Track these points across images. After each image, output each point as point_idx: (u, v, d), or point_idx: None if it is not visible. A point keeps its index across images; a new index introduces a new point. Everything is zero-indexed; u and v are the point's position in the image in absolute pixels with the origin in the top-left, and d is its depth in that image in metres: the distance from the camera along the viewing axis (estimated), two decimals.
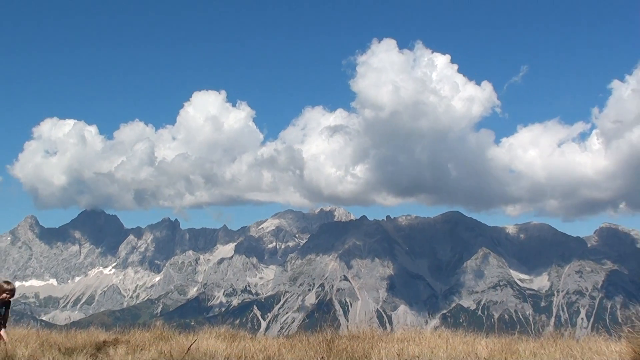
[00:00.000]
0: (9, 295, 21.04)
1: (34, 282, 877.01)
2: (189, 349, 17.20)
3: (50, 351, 19.46)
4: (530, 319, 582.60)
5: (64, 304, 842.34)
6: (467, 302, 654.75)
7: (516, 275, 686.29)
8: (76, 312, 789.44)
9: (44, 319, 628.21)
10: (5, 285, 20.84)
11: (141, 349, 21.51)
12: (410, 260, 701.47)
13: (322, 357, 16.25)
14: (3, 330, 21.15)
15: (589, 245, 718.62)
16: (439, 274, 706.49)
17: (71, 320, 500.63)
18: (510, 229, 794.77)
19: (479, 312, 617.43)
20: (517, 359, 13.46)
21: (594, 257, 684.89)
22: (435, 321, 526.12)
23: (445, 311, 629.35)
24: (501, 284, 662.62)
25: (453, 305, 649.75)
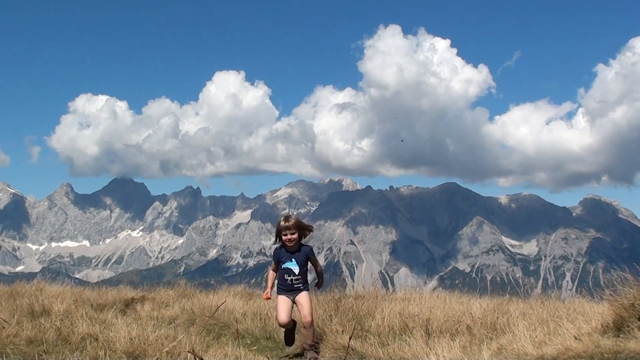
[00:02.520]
0: (293, 234, 14.19)
1: (69, 243, 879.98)
2: (217, 308, 17.19)
3: (83, 306, 19.49)
4: (520, 282, 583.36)
5: (95, 264, 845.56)
6: (463, 265, 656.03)
7: (507, 241, 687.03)
8: (106, 270, 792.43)
9: (77, 276, 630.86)
10: (283, 223, 14.37)
11: (166, 306, 21.55)
12: (411, 226, 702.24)
13: (331, 315, 16.26)
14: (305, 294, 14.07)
15: (574, 215, 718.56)
16: (437, 239, 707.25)
17: (102, 278, 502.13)
18: (503, 199, 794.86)
19: (473, 275, 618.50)
20: (508, 318, 13.44)
21: (578, 225, 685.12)
22: (433, 283, 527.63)
23: (442, 273, 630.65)
24: (494, 249, 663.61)
25: (450, 268, 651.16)
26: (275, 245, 14.86)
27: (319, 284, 14.94)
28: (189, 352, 5.06)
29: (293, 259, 14.32)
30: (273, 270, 14.63)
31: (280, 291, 14.17)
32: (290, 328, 14.12)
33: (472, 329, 13.26)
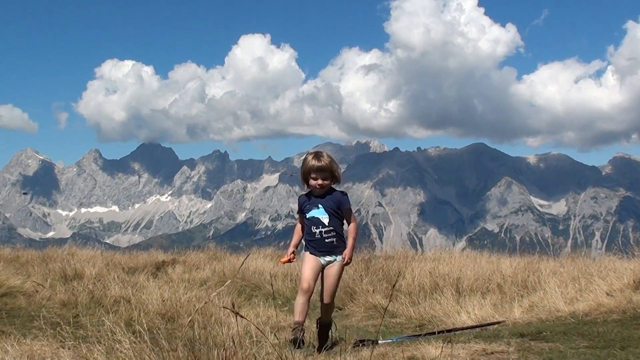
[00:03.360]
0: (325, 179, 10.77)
1: (98, 209, 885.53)
2: (242, 262, 17.23)
3: (115, 270, 19.62)
4: (549, 241, 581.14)
5: (125, 228, 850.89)
6: (491, 226, 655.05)
7: (536, 201, 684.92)
8: (136, 235, 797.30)
9: (107, 241, 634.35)
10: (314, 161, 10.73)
11: (197, 268, 21.68)
12: (439, 188, 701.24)
13: (361, 275, 16.28)
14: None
15: (603, 174, 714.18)
16: (465, 200, 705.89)
17: (132, 243, 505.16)
18: (531, 159, 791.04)
19: (502, 235, 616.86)
20: (539, 276, 13.42)
21: (607, 184, 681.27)
22: (462, 243, 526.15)
23: (471, 234, 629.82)
24: (522, 209, 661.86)
25: (478, 228, 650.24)
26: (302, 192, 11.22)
27: (347, 254, 10.40)
28: (224, 307, 5.06)
29: (320, 206, 10.69)
30: (298, 225, 11.01)
31: (307, 248, 10.69)
32: (305, 302, 10.15)
33: (503, 287, 13.27)
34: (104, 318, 8.75)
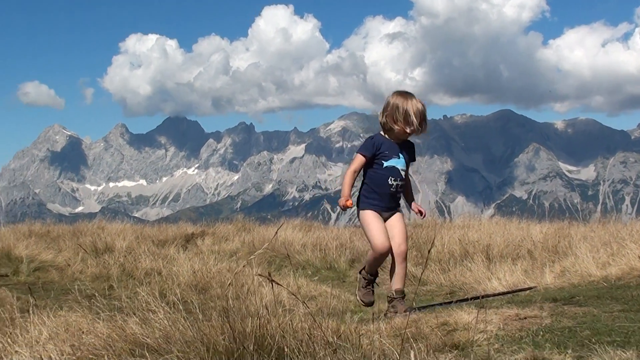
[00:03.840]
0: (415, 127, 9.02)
1: (126, 183, 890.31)
2: (276, 233, 17.29)
3: (145, 243, 19.74)
4: (578, 207, 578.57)
5: (153, 202, 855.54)
6: (519, 193, 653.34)
7: (564, 167, 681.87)
8: (164, 208, 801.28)
9: (136, 215, 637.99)
10: (419, 105, 9.15)
11: (226, 240, 21.77)
12: (466, 155, 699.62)
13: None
14: None
15: (632, 138, 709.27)
16: (492, 167, 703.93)
17: (160, 216, 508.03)
18: (559, 125, 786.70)
19: (531, 202, 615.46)
20: (570, 241, 13.37)
21: (637, 148, 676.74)
22: (490, 211, 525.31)
23: (499, 201, 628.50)
24: (550, 175, 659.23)
25: (506, 195, 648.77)
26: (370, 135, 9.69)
27: (424, 210, 9.56)
28: (259, 274, 5.09)
29: (401, 155, 9.18)
30: (354, 170, 9.36)
31: (371, 205, 9.37)
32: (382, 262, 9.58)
33: (533, 253, 13.23)
34: (138, 289, 8.82)
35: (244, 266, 11.67)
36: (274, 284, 4.99)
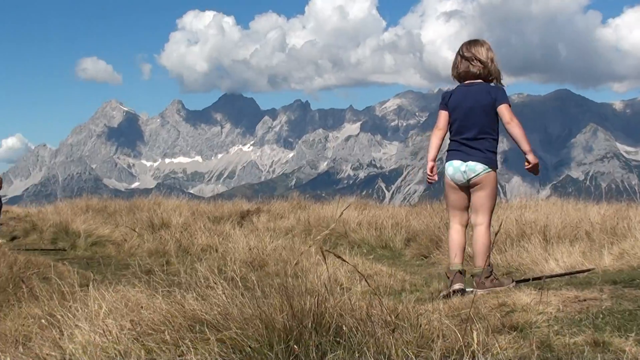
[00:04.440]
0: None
1: (182, 159, 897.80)
2: (341, 214, 17.34)
3: (201, 219, 19.90)
4: (636, 189, 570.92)
5: (208, 178, 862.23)
6: (576, 173, 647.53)
7: (622, 147, 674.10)
8: (219, 185, 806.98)
9: (191, 191, 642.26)
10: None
11: (281, 217, 21.85)
12: None
13: (446, 223, 16.25)
14: None
15: None
16: (549, 147, 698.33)
17: (215, 193, 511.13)
18: (617, 105, 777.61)
19: (587, 183, 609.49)
20: (629, 223, 13.20)
21: None
22: (546, 191, 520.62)
23: (555, 182, 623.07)
24: (608, 156, 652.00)
25: (563, 176, 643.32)
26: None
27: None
28: (326, 250, 5.08)
29: None
30: (440, 128, 8.57)
31: (450, 155, 8.59)
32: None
33: (591, 234, 13.08)
34: (195, 265, 8.88)
35: (310, 246, 11.70)
36: (328, 262, 5.01)
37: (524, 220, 15.07)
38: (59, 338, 5.59)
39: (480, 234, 8.38)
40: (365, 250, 15.45)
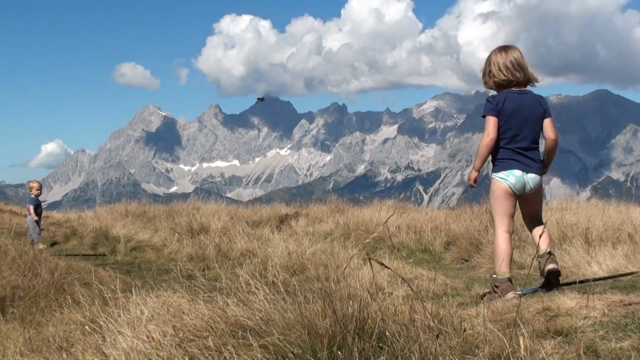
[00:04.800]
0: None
1: (219, 163, 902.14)
2: (386, 221, 17.29)
3: (239, 223, 19.93)
4: None
5: (246, 182, 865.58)
6: (617, 175, 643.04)
7: None
8: (257, 189, 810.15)
9: (229, 195, 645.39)
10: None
11: (320, 221, 21.83)
12: (561, 136, 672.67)
13: (486, 226, 16.14)
14: None
15: None
16: (588, 148, 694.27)
17: (253, 197, 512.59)
18: None
19: (628, 184, 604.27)
20: None
21: None
22: (586, 193, 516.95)
23: (595, 183, 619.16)
24: None
25: (603, 177, 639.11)
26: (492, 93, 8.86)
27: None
28: (368, 257, 5.07)
29: None
30: (493, 138, 8.39)
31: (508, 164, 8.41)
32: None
33: (634, 237, 12.94)
34: (236, 270, 8.89)
35: (359, 250, 11.67)
36: (372, 267, 4.98)
37: (565, 223, 14.93)
38: (102, 344, 5.62)
39: (547, 230, 8.48)
40: (404, 254, 15.38)
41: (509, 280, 8.20)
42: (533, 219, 8.59)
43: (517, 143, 8.28)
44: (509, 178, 8.27)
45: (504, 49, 8.46)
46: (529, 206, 8.53)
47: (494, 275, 8.39)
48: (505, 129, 8.31)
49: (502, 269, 8.30)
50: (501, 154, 8.39)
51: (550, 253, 8.32)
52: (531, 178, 8.29)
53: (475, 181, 8.64)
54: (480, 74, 8.84)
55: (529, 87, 8.55)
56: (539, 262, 8.35)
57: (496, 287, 8.24)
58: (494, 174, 8.48)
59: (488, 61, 8.58)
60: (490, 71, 8.52)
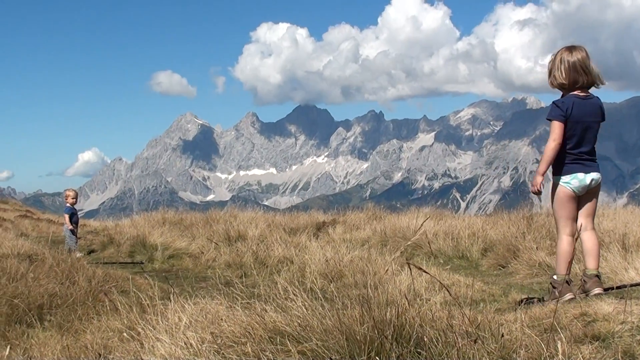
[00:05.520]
0: None
1: (256, 171, 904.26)
2: (421, 226, 17.29)
3: (276, 231, 19.95)
4: None
5: (283, 190, 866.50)
6: None
7: None
8: (294, 197, 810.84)
9: (266, 203, 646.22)
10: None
11: (357, 228, 21.81)
12: (597, 143, 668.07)
13: (523, 232, 16.08)
14: None
15: None
16: (625, 155, 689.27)
17: (290, 205, 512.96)
18: None
19: None
20: None
21: None
22: (623, 199, 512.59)
23: (632, 190, 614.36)
24: None
25: (639, 184, 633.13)
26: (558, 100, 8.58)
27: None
28: (407, 262, 5.10)
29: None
30: (559, 142, 8.39)
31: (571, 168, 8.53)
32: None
33: None
34: (274, 276, 8.93)
35: (397, 257, 11.66)
36: (411, 272, 5.00)
37: (601, 229, 14.86)
38: (140, 351, 5.66)
39: (596, 236, 8.73)
40: (441, 261, 15.38)
41: (567, 282, 8.40)
42: (587, 214, 8.68)
43: (580, 148, 8.44)
44: (573, 182, 8.43)
45: (570, 49, 8.46)
46: (585, 201, 8.64)
47: (554, 277, 8.62)
48: (571, 135, 8.41)
49: (562, 270, 8.53)
50: (565, 159, 8.50)
51: (597, 276, 8.44)
52: (592, 176, 8.47)
53: (540, 185, 8.62)
54: (547, 75, 8.70)
55: (593, 89, 8.61)
56: (584, 281, 8.45)
57: (554, 287, 8.46)
58: (556, 178, 8.58)
59: (553, 61, 8.61)
60: (553, 73, 8.55)
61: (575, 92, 8.41)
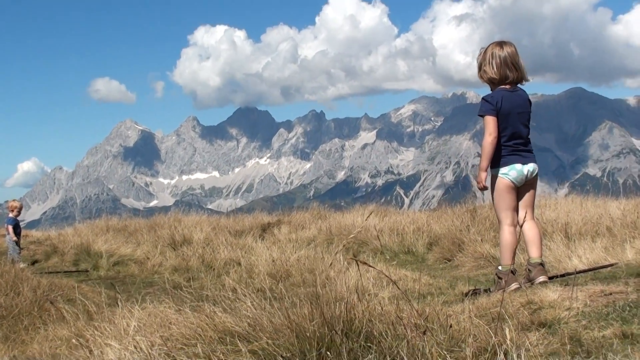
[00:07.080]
0: None
1: (199, 175, 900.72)
2: (366, 219, 17.37)
3: (222, 233, 19.95)
4: None
5: (226, 193, 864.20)
6: (593, 171, 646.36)
7: (638, 143, 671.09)
8: (238, 199, 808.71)
9: (210, 207, 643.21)
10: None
11: (302, 228, 21.88)
12: (537, 135, 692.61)
13: (468, 225, 16.24)
14: None
15: None
16: (565, 146, 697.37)
17: (234, 207, 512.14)
18: (631, 100, 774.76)
19: (605, 179, 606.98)
20: None
21: None
22: (564, 190, 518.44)
23: (573, 180, 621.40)
24: (624, 152, 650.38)
25: (580, 174, 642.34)
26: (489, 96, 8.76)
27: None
28: (353, 259, 5.13)
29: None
30: (496, 136, 8.56)
31: (509, 159, 8.69)
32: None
33: (612, 229, 13.07)
34: (223, 278, 8.93)
35: (336, 253, 11.71)
36: (359, 268, 5.04)
37: (544, 219, 15.09)
38: (89, 357, 5.64)
39: (537, 226, 8.91)
40: (388, 257, 15.44)
41: (512, 272, 8.52)
42: (527, 204, 8.83)
43: (514, 140, 8.59)
44: (511, 173, 8.58)
45: (500, 44, 8.60)
46: (524, 192, 8.80)
47: (499, 267, 8.73)
48: (504, 127, 8.55)
49: (506, 260, 8.64)
50: (502, 151, 8.64)
51: (542, 264, 8.58)
52: (529, 167, 8.66)
53: (485, 180, 8.81)
54: (477, 69, 8.91)
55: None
56: (529, 270, 8.58)
57: (500, 278, 8.56)
58: (494, 170, 8.74)
59: (483, 56, 8.74)
60: (483, 67, 8.69)
61: (502, 87, 8.56)
